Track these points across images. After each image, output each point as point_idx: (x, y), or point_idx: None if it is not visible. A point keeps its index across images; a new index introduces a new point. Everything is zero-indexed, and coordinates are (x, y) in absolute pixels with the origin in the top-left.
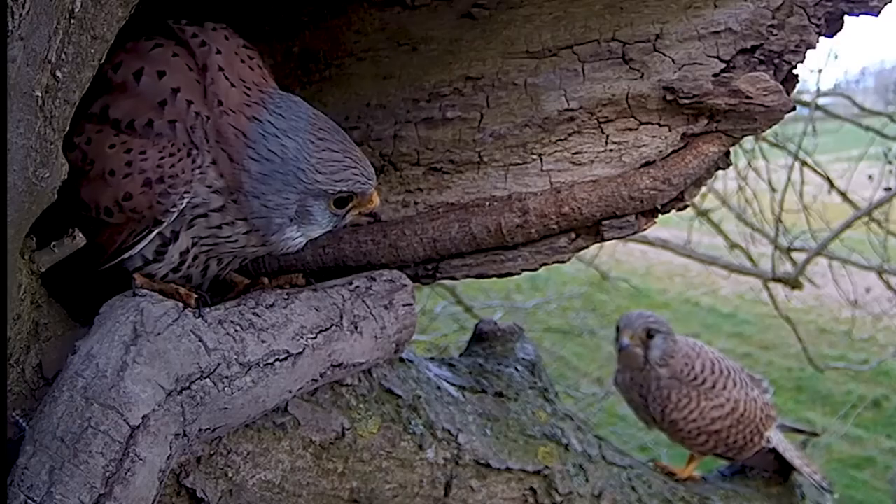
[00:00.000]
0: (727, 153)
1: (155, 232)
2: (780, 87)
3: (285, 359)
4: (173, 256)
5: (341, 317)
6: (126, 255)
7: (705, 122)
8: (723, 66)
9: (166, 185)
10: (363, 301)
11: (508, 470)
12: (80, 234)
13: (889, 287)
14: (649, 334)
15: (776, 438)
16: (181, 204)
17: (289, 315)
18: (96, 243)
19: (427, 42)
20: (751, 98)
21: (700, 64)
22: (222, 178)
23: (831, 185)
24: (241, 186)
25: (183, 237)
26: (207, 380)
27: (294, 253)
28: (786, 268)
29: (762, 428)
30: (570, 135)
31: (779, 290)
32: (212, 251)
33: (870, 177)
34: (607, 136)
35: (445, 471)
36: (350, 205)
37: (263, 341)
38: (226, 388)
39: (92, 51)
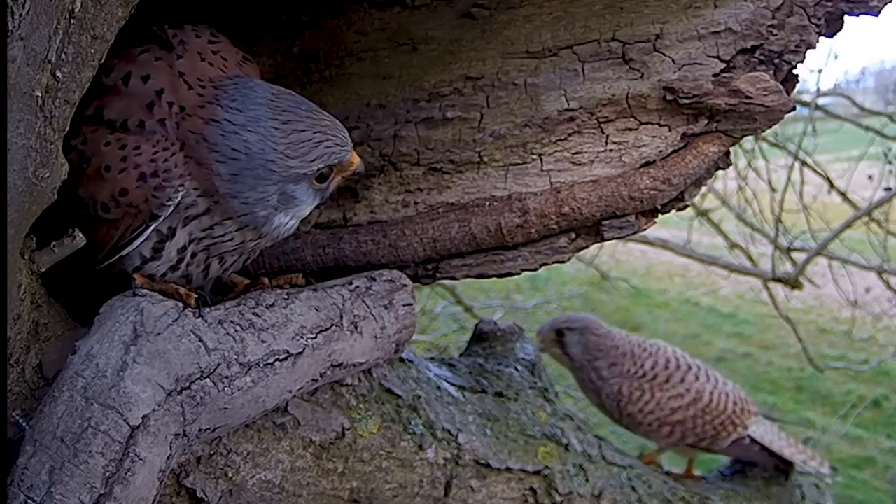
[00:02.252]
0: (727, 153)
1: (151, 227)
2: (780, 87)
3: (285, 359)
4: (171, 254)
5: (341, 317)
6: (124, 252)
7: (705, 122)
8: (723, 66)
9: (161, 179)
10: (363, 301)
11: (508, 470)
12: (80, 234)
13: (889, 287)
14: (559, 334)
15: (760, 430)
16: (176, 197)
17: (289, 315)
18: (94, 241)
19: (427, 42)
20: (751, 98)
21: (700, 64)
22: (198, 182)
23: (831, 185)
24: (216, 190)
25: (180, 234)
26: (207, 380)
27: (294, 253)
28: (786, 268)
29: (736, 419)
30: (570, 135)
31: (779, 290)
32: (211, 249)
33: (870, 177)
34: (607, 136)
35: (445, 471)
36: (332, 175)
37: (263, 341)
38: (226, 388)
39: (92, 51)
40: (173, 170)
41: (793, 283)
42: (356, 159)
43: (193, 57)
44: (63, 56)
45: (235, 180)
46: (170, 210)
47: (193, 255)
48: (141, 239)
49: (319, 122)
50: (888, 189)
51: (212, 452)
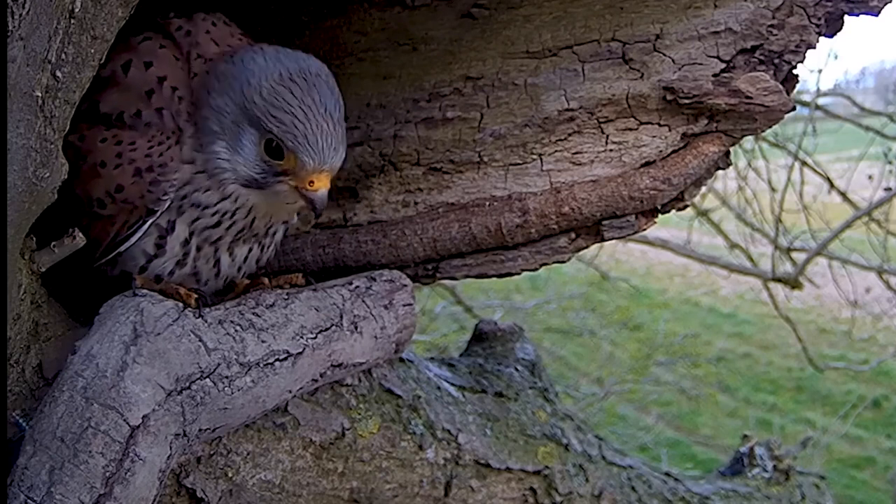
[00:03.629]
0: (727, 153)
1: (149, 223)
2: (780, 87)
3: (285, 359)
4: (174, 248)
5: (341, 317)
6: (122, 248)
7: (705, 122)
8: (723, 66)
9: (156, 174)
10: (363, 301)
11: (508, 470)
12: (80, 234)
13: (889, 287)
14: None
15: None
16: (171, 192)
17: (289, 315)
18: (91, 238)
19: (427, 42)
20: (751, 98)
21: (700, 64)
22: (194, 140)
23: (831, 185)
24: (199, 98)
25: (179, 227)
26: (207, 380)
27: (294, 253)
28: (786, 268)
29: None
30: (570, 135)
31: (779, 290)
32: (213, 237)
33: (870, 177)
34: (607, 136)
35: (445, 471)
36: (283, 165)
37: (263, 341)
38: (226, 388)
39: (92, 51)
40: (169, 164)
41: (793, 283)
42: (319, 185)
43: (222, 29)
44: (63, 56)
45: (219, 79)
46: (166, 205)
47: (199, 249)
48: (138, 235)
49: (319, 114)
50: (888, 189)
51: (212, 452)
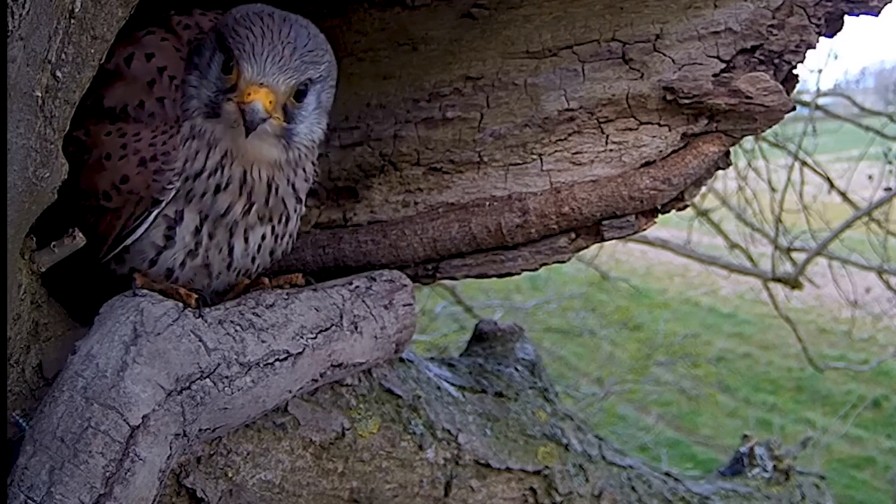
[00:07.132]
0: (727, 153)
1: (154, 213)
2: (780, 87)
3: (285, 359)
4: (185, 238)
5: (341, 317)
6: (129, 241)
7: (705, 122)
8: (723, 66)
9: (160, 163)
10: (363, 301)
11: (508, 470)
12: (80, 234)
13: (889, 287)
14: None
15: None
16: (176, 181)
17: (289, 315)
18: (97, 233)
19: (427, 42)
20: (751, 98)
21: (700, 64)
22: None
23: (831, 185)
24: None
25: (189, 216)
26: (207, 380)
27: (294, 253)
28: (786, 268)
29: None
30: (570, 135)
31: (779, 290)
32: (221, 209)
33: (870, 177)
34: (607, 136)
35: (445, 471)
36: (231, 79)
37: (263, 341)
38: (226, 388)
39: (92, 51)
40: (171, 153)
41: (793, 283)
42: (255, 97)
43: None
44: (63, 56)
45: (205, 41)
46: (171, 194)
47: (212, 237)
48: (145, 226)
49: (277, 38)
50: (888, 189)
51: (212, 452)
